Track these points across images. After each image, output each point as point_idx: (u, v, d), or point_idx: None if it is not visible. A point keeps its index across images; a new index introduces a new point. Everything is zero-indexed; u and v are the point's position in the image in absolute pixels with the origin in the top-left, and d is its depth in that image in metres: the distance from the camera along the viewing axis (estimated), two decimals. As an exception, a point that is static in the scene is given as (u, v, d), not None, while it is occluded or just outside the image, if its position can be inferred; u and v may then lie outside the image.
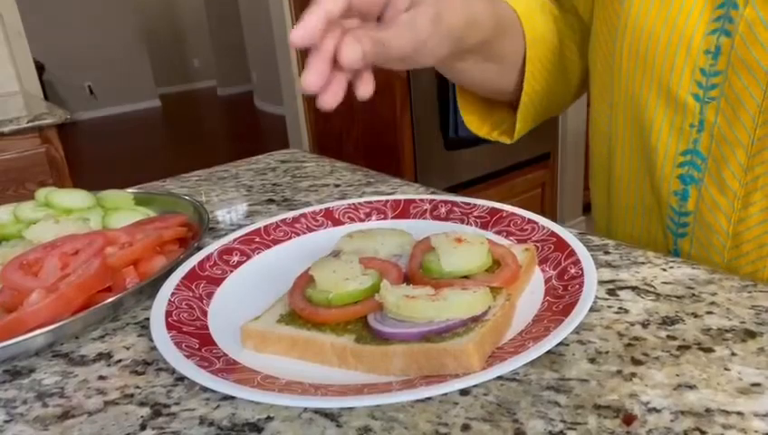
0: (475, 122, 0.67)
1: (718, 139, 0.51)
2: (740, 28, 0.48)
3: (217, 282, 0.50)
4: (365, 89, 0.41)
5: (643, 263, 0.49)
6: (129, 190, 0.71)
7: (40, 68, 4.24)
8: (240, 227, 0.59)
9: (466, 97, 0.67)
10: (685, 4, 0.51)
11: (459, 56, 0.52)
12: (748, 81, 0.48)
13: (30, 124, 1.64)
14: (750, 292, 0.43)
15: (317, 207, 0.61)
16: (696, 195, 0.54)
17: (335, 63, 0.38)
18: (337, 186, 0.76)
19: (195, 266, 0.50)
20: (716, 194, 0.52)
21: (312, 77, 0.37)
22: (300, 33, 0.37)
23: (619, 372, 0.36)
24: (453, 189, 2.05)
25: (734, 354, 0.37)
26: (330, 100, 0.39)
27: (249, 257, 0.54)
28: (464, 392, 0.35)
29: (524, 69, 0.61)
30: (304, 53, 0.39)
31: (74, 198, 0.65)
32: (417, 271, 0.45)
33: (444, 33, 0.45)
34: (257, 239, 0.56)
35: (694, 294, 0.43)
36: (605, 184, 0.65)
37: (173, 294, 0.46)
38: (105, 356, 0.43)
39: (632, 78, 0.56)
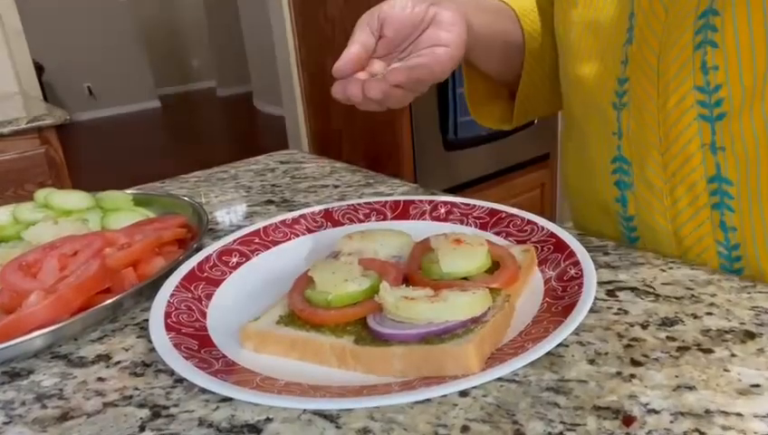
0: (484, 115, 0.71)
1: (635, 142, 0.53)
2: (635, 31, 0.51)
3: (216, 283, 0.50)
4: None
5: (642, 264, 0.49)
6: (129, 191, 0.71)
7: (39, 69, 4.25)
8: (239, 228, 0.59)
9: (474, 87, 0.70)
10: (611, 20, 0.54)
11: (470, 49, 0.56)
12: (644, 82, 0.51)
13: (29, 125, 1.63)
14: (749, 293, 0.43)
15: (316, 208, 0.61)
16: (632, 199, 0.55)
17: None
18: (336, 187, 0.76)
19: (194, 268, 0.50)
20: (647, 195, 0.54)
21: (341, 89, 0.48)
22: (341, 66, 0.48)
23: (619, 373, 0.36)
24: (452, 190, 2.05)
25: (733, 355, 0.37)
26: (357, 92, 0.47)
27: (248, 258, 0.54)
28: (463, 394, 0.35)
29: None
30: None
31: (73, 199, 0.65)
32: (417, 272, 0.45)
33: (459, 37, 0.51)
34: (256, 240, 0.56)
35: (693, 295, 0.43)
36: (570, 203, 0.72)
37: (172, 295, 0.46)
38: (104, 358, 0.43)
39: (576, 93, 0.60)
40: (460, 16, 0.51)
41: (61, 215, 0.62)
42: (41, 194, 0.65)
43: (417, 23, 0.50)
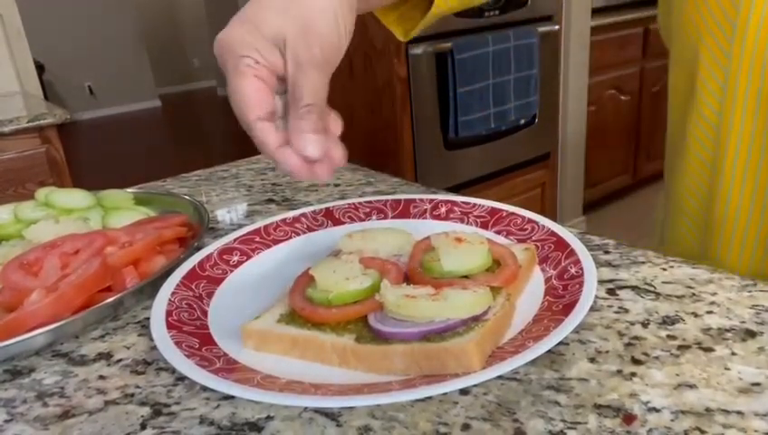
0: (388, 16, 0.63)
1: None
2: None
3: (217, 281, 0.50)
4: (335, 127, 0.41)
5: (643, 262, 0.49)
6: (129, 190, 0.71)
7: (40, 68, 4.25)
8: (240, 226, 0.59)
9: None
10: None
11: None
12: None
13: (30, 124, 1.63)
14: (750, 291, 0.43)
15: (317, 207, 0.61)
16: None
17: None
18: (337, 185, 0.76)
19: (195, 266, 0.50)
20: None
21: (296, 169, 0.40)
22: (297, 173, 0.40)
23: (620, 371, 0.36)
24: (453, 189, 2.05)
25: (734, 354, 0.37)
26: (325, 173, 0.41)
27: (249, 257, 0.54)
28: (464, 392, 0.35)
29: None
30: None
31: (74, 197, 0.65)
32: (418, 271, 0.45)
33: (325, 26, 0.39)
34: (257, 239, 0.56)
35: (694, 294, 0.43)
36: (704, 196, 0.54)
37: (173, 293, 0.46)
38: (105, 356, 0.43)
39: (761, 64, 0.47)
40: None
41: (62, 213, 0.62)
42: (42, 193, 0.65)
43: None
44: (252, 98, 0.39)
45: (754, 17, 0.48)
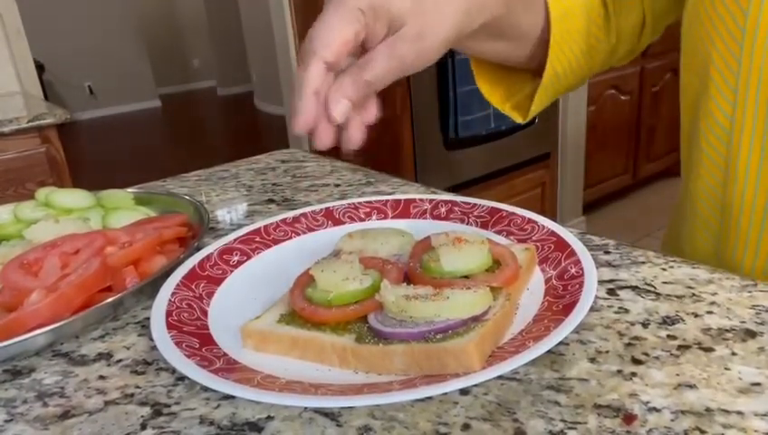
0: (486, 87, 0.61)
1: None
2: None
3: (218, 281, 0.50)
4: (368, 116, 0.42)
5: (643, 262, 0.49)
6: (129, 190, 0.71)
7: (40, 68, 4.24)
8: (240, 226, 0.59)
9: (481, 61, 0.60)
10: None
11: (466, 39, 0.48)
12: None
13: (30, 124, 1.64)
14: (750, 291, 0.43)
15: (317, 207, 0.61)
16: None
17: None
18: (337, 185, 0.76)
19: (195, 266, 0.50)
20: None
21: (303, 118, 0.38)
22: (301, 121, 0.38)
23: (620, 371, 0.36)
24: (453, 189, 2.05)
25: (734, 354, 0.37)
26: (324, 139, 0.39)
27: (249, 257, 0.54)
28: (464, 392, 0.35)
29: (546, 45, 0.55)
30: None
31: (74, 197, 0.65)
32: (418, 271, 0.45)
33: (433, 45, 0.41)
34: (257, 239, 0.56)
35: (694, 294, 0.43)
36: (719, 202, 0.54)
37: (173, 293, 0.46)
38: (105, 356, 0.43)
39: None
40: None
41: (62, 213, 0.62)
42: (42, 193, 0.65)
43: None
44: (335, 40, 0.38)
45: (763, 23, 0.48)
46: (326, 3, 0.39)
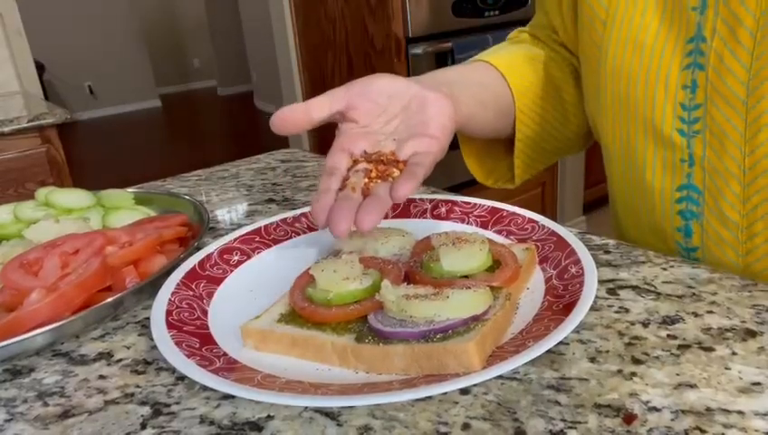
0: (480, 174, 0.69)
1: (710, 171, 0.51)
2: (711, 60, 0.48)
3: (218, 281, 0.50)
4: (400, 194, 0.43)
5: (643, 262, 0.49)
6: (130, 190, 0.71)
7: (40, 68, 4.24)
8: (240, 226, 0.59)
9: (471, 150, 0.68)
10: (657, 41, 0.51)
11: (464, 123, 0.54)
12: (728, 112, 0.48)
13: (30, 124, 1.64)
14: (750, 291, 0.43)
15: (317, 207, 0.61)
16: (699, 230, 0.53)
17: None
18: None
19: (195, 266, 0.50)
20: (719, 227, 0.51)
21: (343, 225, 0.40)
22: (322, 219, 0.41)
23: (620, 371, 0.36)
24: (453, 189, 2.04)
25: (734, 354, 0.37)
26: (344, 227, 0.41)
27: (249, 257, 0.54)
28: (464, 392, 0.35)
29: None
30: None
31: (74, 197, 0.65)
32: (418, 270, 0.45)
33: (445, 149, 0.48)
34: (257, 239, 0.56)
35: (694, 294, 0.43)
36: (616, 222, 0.65)
37: (173, 293, 0.46)
38: (105, 355, 0.43)
39: (618, 118, 0.56)
40: (446, 99, 0.48)
41: (62, 213, 0.62)
42: (42, 192, 0.65)
43: (406, 103, 0.47)
44: (336, 165, 0.45)
45: (608, 77, 0.56)
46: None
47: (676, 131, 0.52)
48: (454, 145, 0.47)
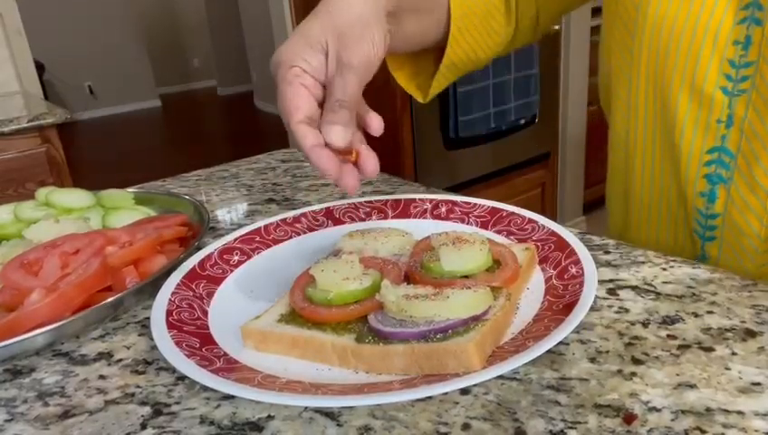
0: (395, 64, 0.65)
1: (749, 134, 0.49)
2: None
3: (218, 281, 0.50)
4: (374, 127, 0.49)
5: (643, 262, 0.49)
6: (130, 190, 0.71)
7: (40, 68, 4.24)
8: (240, 226, 0.59)
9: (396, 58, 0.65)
10: None
11: (391, 19, 0.49)
12: None
13: (30, 124, 1.63)
14: (750, 291, 0.43)
15: (317, 207, 0.61)
16: (724, 195, 0.52)
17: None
18: (337, 185, 0.76)
19: (195, 266, 0.50)
20: (747, 194, 0.50)
21: (325, 168, 0.43)
22: (328, 171, 0.43)
23: (620, 371, 0.36)
24: (453, 189, 2.05)
25: (734, 354, 0.37)
26: (352, 183, 0.45)
27: (249, 257, 0.54)
28: (464, 392, 0.35)
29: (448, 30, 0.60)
30: None
31: (75, 197, 0.65)
32: (418, 270, 0.45)
33: (368, 38, 0.45)
34: (257, 239, 0.56)
35: (694, 294, 0.43)
36: (622, 190, 0.63)
37: (173, 293, 0.46)
38: (105, 355, 0.43)
39: (653, 74, 0.54)
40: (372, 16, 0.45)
41: (62, 213, 0.62)
42: (42, 192, 0.65)
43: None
44: (294, 102, 0.43)
45: (649, 21, 0.53)
46: (276, 84, 0.45)
47: (719, 89, 0.50)
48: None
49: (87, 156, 5.02)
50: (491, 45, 0.64)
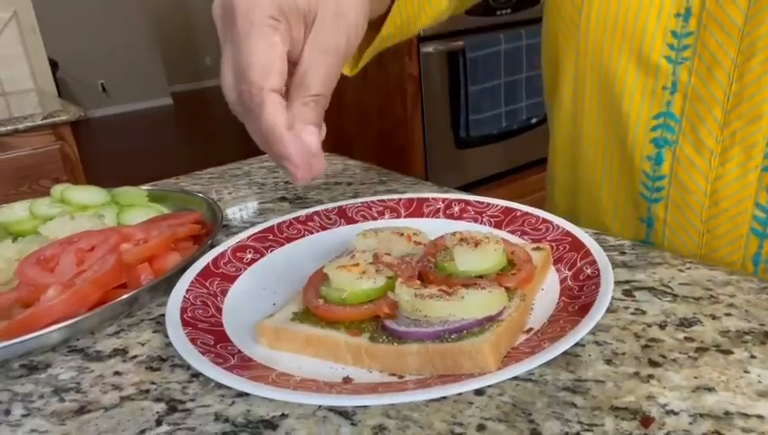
0: None
1: (693, 98, 0.52)
2: None
3: (231, 279, 0.50)
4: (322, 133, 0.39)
5: (660, 263, 0.48)
6: (143, 187, 0.72)
7: (54, 66, 4.28)
8: (253, 224, 0.59)
9: None
10: None
11: None
12: (722, 38, 0.49)
13: (44, 121, 1.65)
14: (769, 294, 0.43)
15: (330, 205, 0.61)
16: (670, 157, 0.54)
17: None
18: (350, 184, 0.76)
19: (209, 263, 0.50)
20: (692, 154, 0.53)
21: (296, 159, 0.35)
22: (298, 165, 0.35)
23: (637, 373, 0.36)
24: (464, 188, 2.04)
25: (753, 357, 0.36)
26: (306, 174, 0.36)
27: (263, 255, 0.54)
28: (479, 392, 0.35)
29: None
30: None
31: (89, 194, 0.65)
32: (431, 270, 0.45)
33: (355, 13, 0.37)
34: (270, 237, 0.56)
35: (712, 296, 0.43)
36: (569, 159, 0.66)
37: (188, 290, 0.46)
38: (121, 352, 0.43)
39: (600, 45, 0.57)
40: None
41: (77, 210, 0.63)
42: (57, 189, 0.65)
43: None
44: (273, 61, 0.34)
45: (596, 3, 0.56)
46: (235, 31, 0.35)
47: (663, 58, 0.53)
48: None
49: (100, 153, 5.06)
50: (429, 14, 0.65)
